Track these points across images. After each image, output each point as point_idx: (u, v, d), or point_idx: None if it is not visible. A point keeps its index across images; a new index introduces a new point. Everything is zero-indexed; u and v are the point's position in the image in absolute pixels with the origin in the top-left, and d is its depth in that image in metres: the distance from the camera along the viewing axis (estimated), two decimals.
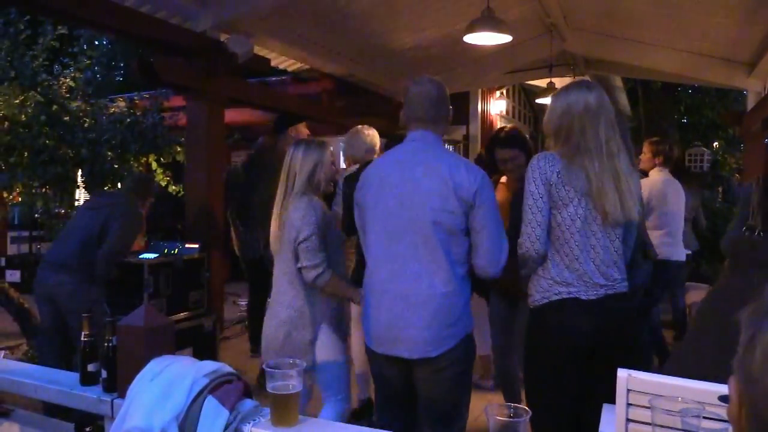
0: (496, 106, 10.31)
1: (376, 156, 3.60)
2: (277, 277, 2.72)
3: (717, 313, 2.24)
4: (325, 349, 2.64)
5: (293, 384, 1.50)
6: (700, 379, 1.43)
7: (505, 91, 10.79)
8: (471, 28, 4.99)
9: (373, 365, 2.39)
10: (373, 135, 3.83)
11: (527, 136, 3.32)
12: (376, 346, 2.27)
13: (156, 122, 6.02)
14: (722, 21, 5.51)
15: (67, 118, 5.58)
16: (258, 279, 5.02)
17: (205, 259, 4.69)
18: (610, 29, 6.85)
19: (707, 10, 5.40)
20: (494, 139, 3.33)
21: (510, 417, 1.23)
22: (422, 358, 2.18)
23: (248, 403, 1.54)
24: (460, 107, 9.39)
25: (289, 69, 6.95)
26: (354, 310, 3.45)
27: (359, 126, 3.91)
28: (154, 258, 4.26)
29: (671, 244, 4.54)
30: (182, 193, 5.87)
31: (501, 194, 3.44)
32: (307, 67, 6.84)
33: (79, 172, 5.97)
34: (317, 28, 5.81)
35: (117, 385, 1.76)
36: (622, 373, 1.50)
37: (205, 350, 4.45)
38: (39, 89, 5.58)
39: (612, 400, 1.53)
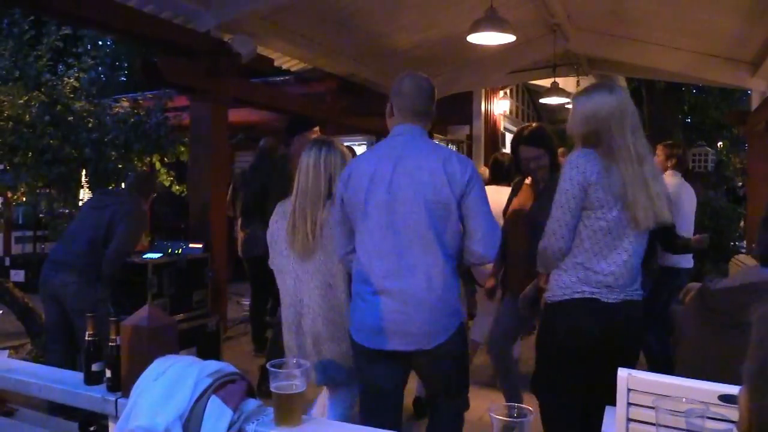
0: (500, 106, 10.30)
1: None
2: (301, 281, 2.55)
3: None
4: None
5: (297, 384, 1.50)
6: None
7: (508, 91, 10.78)
8: (474, 28, 4.98)
9: (359, 362, 2.33)
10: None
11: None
12: (368, 342, 2.24)
13: (160, 122, 6.03)
14: (726, 20, 5.50)
15: (71, 118, 5.59)
16: (261, 278, 5.03)
17: (208, 258, 4.70)
18: (614, 29, 6.84)
19: (711, 10, 5.39)
20: (518, 136, 3.25)
21: (514, 417, 1.23)
22: (419, 350, 2.19)
23: (252, 403, 1.54)
24: (464, 107, 9.39)
25: (293, 69, 6.95)
26: None
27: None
28: (158, 258, 4.27)
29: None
30: (186, 192, 5.88)
31: (524, 196, 3.41)
32: (311, 67, 6.85)
33: (83, 172, 5.99)
34: (320, 28, 5.81)
35: (121, 385, 1.76)
36: (622, 373, 1.49)
37: (208, 350, 4.46)
38: (43, 89, 5.59)
39: (614, 402, 1.53)
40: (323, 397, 2.84)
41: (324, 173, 2.50)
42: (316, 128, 4.35)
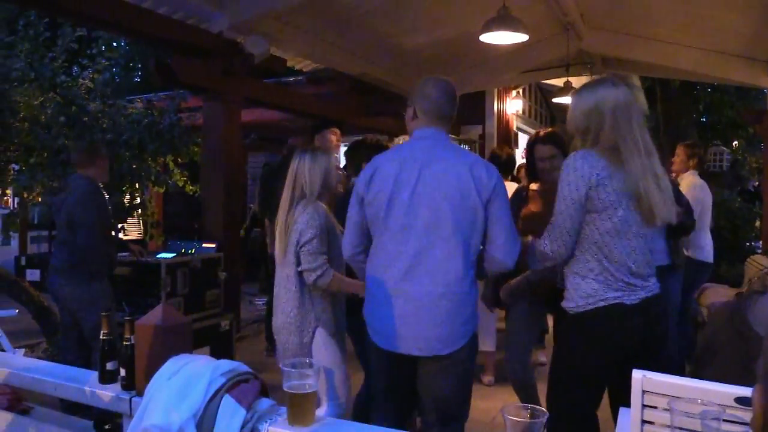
0: (512, 106, 10.25)
1: None
2: (276, 284, 2.81)
3: None
4: (320, 353, 2.66)
5: (310, 383, 1.51)
6: None
7: (521, 91, 10.73)
8: (487, 27, 4.97)
9: (376, 361, 2.35)
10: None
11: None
12: (384, 344, 2.24)
13: (173, 123, 6.05)
14: (741, 18, 5.45)
15: (85, 119, 5.63)
16: None
17: (221, 258, 4.72)
18: (628, 27, 6.79)
19: (725, 7, 5.34)
20: (535, 136, 3.25)
21: (528, 418, 1.22)
22: (432, 356, 2.17)
23: (265, 402, 1.54)
24: (476, 106, 9.35)
25: (305, 69, 6.97)
26: None
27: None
28: (172, 258, 4.29)
29: (711, 246, 4.60)
30: (199, 193, 5.91)
31: (535, 205, 3.36)
32: (323, 67, 6.86)
33: None
34: (332, 29, 5.82)
35: (135, 384, 1.78)
36: (637, 374, 1.48)
37: (221, 349, 4.48)
38: (58, 90, 5.63)
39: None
40: None
41: (297, 179, 2.75)
42: (335, 128, 4.42)
